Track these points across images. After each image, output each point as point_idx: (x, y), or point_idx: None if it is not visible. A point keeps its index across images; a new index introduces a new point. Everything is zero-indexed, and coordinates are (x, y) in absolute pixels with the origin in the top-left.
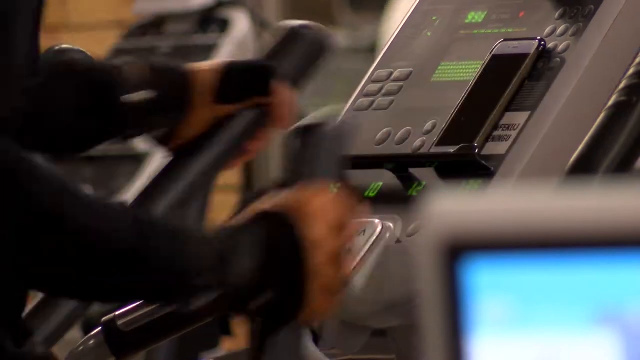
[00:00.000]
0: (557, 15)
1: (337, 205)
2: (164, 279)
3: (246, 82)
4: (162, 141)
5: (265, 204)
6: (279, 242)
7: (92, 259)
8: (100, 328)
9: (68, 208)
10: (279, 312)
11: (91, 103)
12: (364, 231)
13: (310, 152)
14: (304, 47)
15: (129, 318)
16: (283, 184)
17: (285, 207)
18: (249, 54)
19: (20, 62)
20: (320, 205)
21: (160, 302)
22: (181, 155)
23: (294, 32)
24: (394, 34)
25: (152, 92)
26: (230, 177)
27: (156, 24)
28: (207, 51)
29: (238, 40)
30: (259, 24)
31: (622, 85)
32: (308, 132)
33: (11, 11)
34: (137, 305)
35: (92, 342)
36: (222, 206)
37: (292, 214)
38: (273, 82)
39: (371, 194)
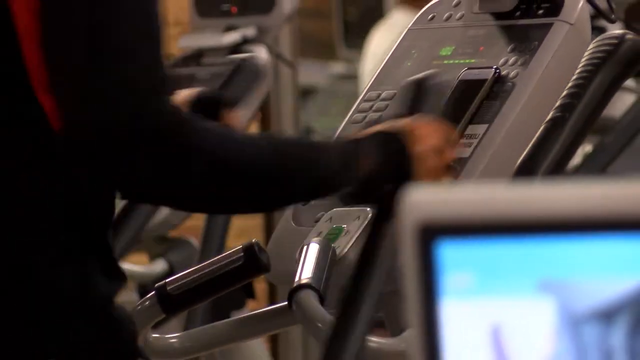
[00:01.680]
0: (509, 49)
1: (438, 134)
2: (305, 185)
3: (205, 107)
4: None
5: (380, 126)
6: (392, 151)
7: (246, 180)
8: (153, 292)
9: (221, 147)
10: (392, 204)
11: None
12: (359, 217)
13: (419, 98)
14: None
15: (176, 284)
16: (396, 117)
17: (398, 129)
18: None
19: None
20: (425, 131)
21: (306, 201)
22: None
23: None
24: (381, 64)
25: None
26: None
27: (195, 57)
28: None
29: None
30: (276, 56)
31: (558, 104)
32: (418, 85)
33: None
34: (184, 274)
35: (147, 303)
36: None
37: (404, 135)
38: (222, 108)
39: None
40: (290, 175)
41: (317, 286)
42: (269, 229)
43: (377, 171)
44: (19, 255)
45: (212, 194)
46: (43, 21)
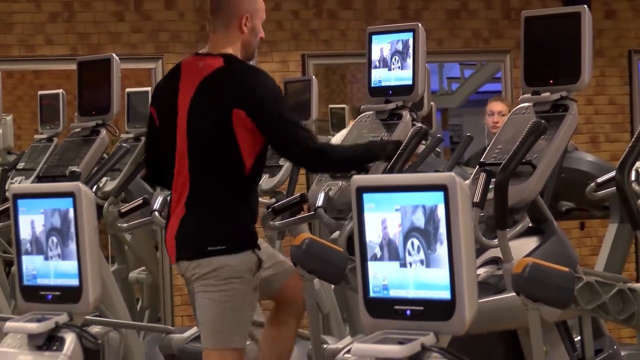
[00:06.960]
0: (384, 130)
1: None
2: (360, 161)
3: None
4: None
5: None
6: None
7: (337, 165)
8: (270, 209)
9: (332, 152)
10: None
11: None
12: (341, 184)
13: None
14: None
15: (278, 205)
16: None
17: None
18: None
19: None
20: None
21: (361, 168)
22: None
23: None
24: (345, 135)
25: None
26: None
27: None
28: None
29: None
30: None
31: (405, 143)
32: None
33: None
34: (280, 202)
35: (266, 212)
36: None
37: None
38: None
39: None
40: (352, 163)
41: (324, 207)
42: (308, 189)
43: (385, 152)
44: (231, 205)
45: (330, 167)
46: (263, 130)
